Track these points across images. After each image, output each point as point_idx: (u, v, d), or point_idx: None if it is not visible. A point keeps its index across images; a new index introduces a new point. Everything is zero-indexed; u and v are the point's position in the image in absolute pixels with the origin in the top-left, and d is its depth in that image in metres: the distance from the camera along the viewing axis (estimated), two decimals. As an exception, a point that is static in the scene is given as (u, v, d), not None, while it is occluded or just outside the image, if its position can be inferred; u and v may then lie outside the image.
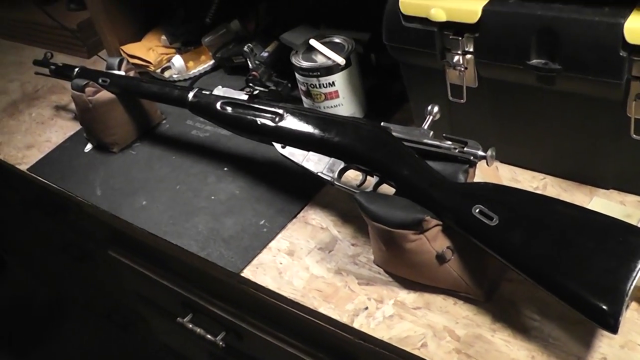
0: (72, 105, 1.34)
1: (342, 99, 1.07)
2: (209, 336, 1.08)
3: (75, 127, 1.32)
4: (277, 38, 1.21)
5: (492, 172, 0.94)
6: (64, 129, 1.34)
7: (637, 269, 0.61)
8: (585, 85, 0.76)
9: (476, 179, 0.79)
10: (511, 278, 0.77)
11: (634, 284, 0.61)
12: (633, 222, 0.71)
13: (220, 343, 1.07)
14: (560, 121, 0.84)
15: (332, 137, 0.85)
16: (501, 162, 0.95)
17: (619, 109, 0.77)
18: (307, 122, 0.88)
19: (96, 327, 2.11)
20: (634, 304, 0.72)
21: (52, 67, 1.31)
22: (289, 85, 1.17)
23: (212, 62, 1.41)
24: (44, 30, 1.70)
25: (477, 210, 0.70)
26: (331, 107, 1.08)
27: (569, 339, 0.70)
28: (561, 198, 0.74)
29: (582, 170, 0.88)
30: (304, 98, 1.11)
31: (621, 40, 0.71)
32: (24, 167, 1.25)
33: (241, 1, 1.41)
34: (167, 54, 1.41)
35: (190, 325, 1.11)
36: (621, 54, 0.71)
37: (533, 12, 0.76)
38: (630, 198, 0.85)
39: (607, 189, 0.87)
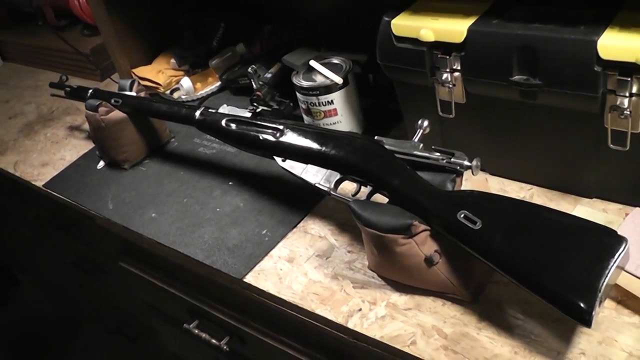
0: (86, 126, 1.40)
1: (340, 117, 1.13)
2: (214, 341, 1.12)
3: (89, 145, 1.38)
4: (280, 60, 1.27)
5: (481, 184, 0.99)
6: (77, 147, 1.41)
7: (609, 267, 0.66)
8: (564, 99, 0.81)
9: (471, 190, 0.84)
10: (497, 280, 0.82)
11: (606, 281, 0.65)
12: (614, 228, 0.76)
13: (225, 347, 1.11)
14: (543, 134, 0.89)
15: (329, 151, 0.90)
16: (490, 174, 1.00)
17: (597, 121, 0.81)
18: (306, 137, 0.93)
19: (107, 340, 2.15)
20: (612, 303, 0.76)
21: (68, 89, 1.37)
22: (291, 104, 1.22)
23: (218, 83, 1.47)
24: (59, 55, 1.77)
25: (462, 216, 0.75)
26: (330, 124, 1.13)
27: (550, 335, 0.74)
28: (547, 207, 0.78)
29: (567, 181, 0.92)
30: (304, 116, 1.17)
31: (595, 56, 0.76)
32: (39, 184, 1.31)
33: (246, 26, 1.47)
34: (176, 76, 1.48)
35: (196, 331, 1.15)
36: (596, 69, 0.76)
37: (514, 31, 0.82)
38: (612, 206, 0.89)
39: (591, 197, 0.91)
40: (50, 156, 1.40)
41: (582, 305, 0.65)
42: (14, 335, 2.51)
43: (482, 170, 1.00)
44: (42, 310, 2.55)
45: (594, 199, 0.91)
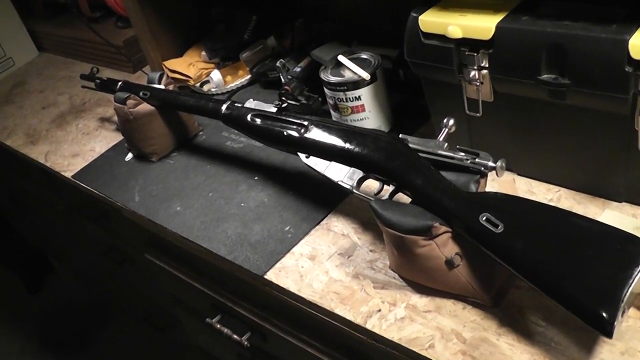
0: (116, 117, 1.41)
1: (368, 113, 1.12)
2: (235, 336, 1.12)
3: (118, 137, 1.39)
4: (310, 54, 1.26)
5: (508, 184, 0.97)
6: (107, 139, 1.42)
7: (633, 276, 0.64)
8: (594, 100, 0.79)
9: (494, 192, 0.83)
10: (519, 285, 0.80)
11: (630, 290, 0.63)
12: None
13: (246, 343, 1.11)
14: (572, 135, 0.87)
15: (352, 148, 0.89)
16: (518, 174, 0.98)
17: (628, 122, 0.79)
18: (330, 134, 0.92)
19: (137, 329, 2.18)
20: (636, 312, 0.74)
21: (98, 81, 1.38)
22: (320, 99, 1.21)
23: (248, 76, 1.47)
24: (93, 46, 1.79)
25: (484, 218, 0.73)
26: (357, 120, 1.12)
27: (571, 344, 0.72)
28: (574, 210, 0.76)
29: (595, 183, 0.90)
30: (332, 111, 1.16)
31: (627, 56, 0.73)
32: (69, 174, 1.32)
33: (278, 19, 1.47)
34: (206, 68, 1.48)
35: (219, 326, 1.16)
36: (627, 69, 0.74)
37: (543, 29, 0.79)
38: (642, 211, 0.87)
39: (620, 201, 0.89)
40: (80, 147, 1.42)
41: (603, 314, 0.63)
42: (47, 320, 2.56)
43: (510, 170, 0.98)
44: (75, 297, 2.59)
45: (623, 203, 0.89)
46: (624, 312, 0.64)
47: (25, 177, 1.80)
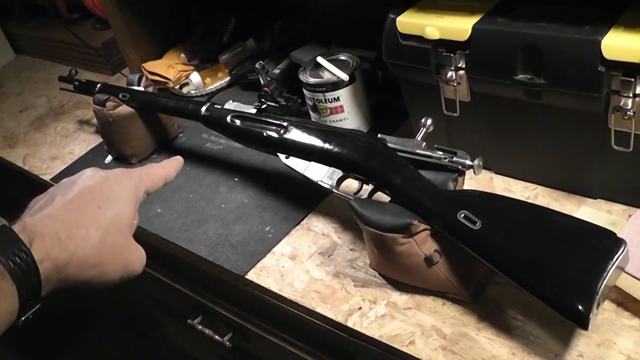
0: (95, 120, 1.41)
1: (347, 113, 1.13)
2: (217, 337, 1.13)
3: (97, 140, 1.39)
4: (289, 56, 1.27)
5: (486, 183, 0.98)
6: (86, 142, 1.41)
7: (608, 269, 0.65)
8: (568, 99, 0.80)
9: (472, 190, 0.84)
10: (497, 281, 0.81)
11: (604, 283, 0.65)
12: (618, 229, 0.76)
13: (228, 343, 1.12)
14: (548, 134, 0.89)
15: (332, 148, 0.90)
16: (495, 173, 0.99)
17: (602, 121, 0.81)
18: (309, 134, 0.93)
19: (117, 334, 2.17)
20: (611, 305, 0.76)
21: (76, 83, 1.38)
22: (299, 100, 1.22)
23: (228, 78, 1.47)
24: (71, 48, 1.78)
25: (462, 215, 0.74)
26: (337, 121, 1.13)
27: (549, 337, 0.74)
28: (551, 207, 0.77)
29: (571, 181, 0.92)
30: (311, 112, 1.17)
31: (599, 56, 0.75)
32: (47, 177, 1.32)
33: (257, 21, 1.47)
34: (185, 71, 1.48)
35: (200, 327, 1.16)
36: (600, 69, 0.75)
37: (519, 30, 0.81)
38: (617, 207, 0.89)
39: (595, 198, 0.91)
40: (59, 150, 1.41)
41: (579, 307, 0.64)
42: (26, 326, 2.53)
43: (487, 169, 0.99)
44: (53, 303, 2.56)
45: (599, 200, 0.90)
46: (599, 304, 0.65)
47: (3, 181, 1.79)
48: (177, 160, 0.81)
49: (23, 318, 0.58)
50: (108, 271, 0.65)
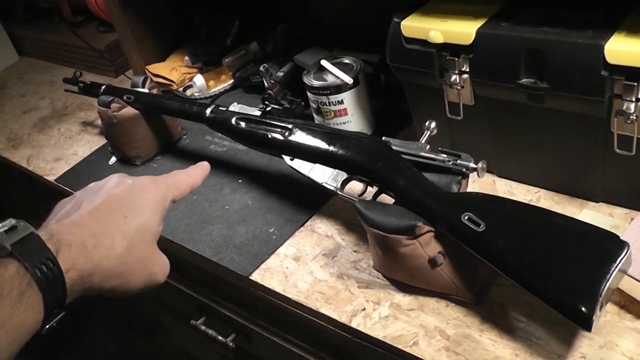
0: (99, 122, 1.42)
1: (350, 116, 1.14)
2: (220, 338, 1.13)
3: (101, 141, 1.40)
4: (292, 59, 1.28)
5: (489, 185, 0.99)
6: (90, 143, 1.42)
7: (611, 271, 0.66)
8: (571, 103, 0.81)
9: (476, 192, 0.85)
10: (501, 283, 0.82)
11: (607, 285, 0.65)
12: (620, 233, 0.76)
13: (231, 344, 1.12)
14: (551, 137, 0.89)
15: (336, 150, 0.91)
16: (498, 176, 1.00)
17: (604, 125, 0.81)
18: (314, 136, 0.94)
19: (118, 335, 2.17)
20: (614, 307, 0.76)
21: (81, 84, 1.39)
22: (302, 103, 1.23)
23: (231, 81, 1.48)
24: (75, 50, 1.79)
25: (466, 218, 0.75)
26: (340, 123, 1.14)
27: (552, 338, 0.74)
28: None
29: (573, 184, 0.93)
30: (315, 115, 1.18)
31: (602, 61, 0.76)
32: (51, 178, 1.33)
33: (260, 24, 1.48)
34: (189, 73, 1.49)
35: (203, 328, 1.17)
36: (602, 73, 0.76)
37: (522, 34, 0.82)
38: (618, 210, 0.89)
39: (597, 201, 0.91)
40: (63, 151, 1.42)
41: (582, 309, 0.65)
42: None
43: (490, 172, 1.00)
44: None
45: (600, 203, 0.91)
46: (602, 306, 0.66)
47: (6, 182, 1.79)
48: (203, 167, 0.82)
49: (47, 326, 0.58)
50: (131, 281, 0.64)
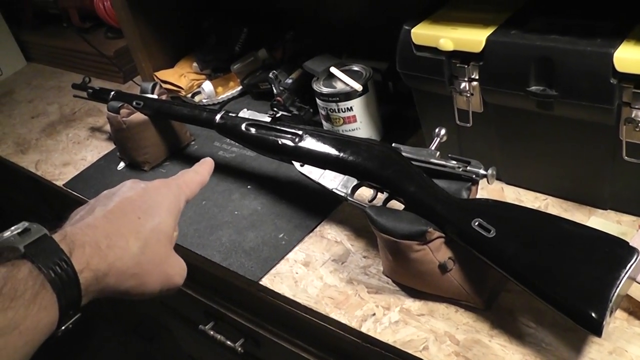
0: (107, 127, 1.43)
1: (359, 123, 1.14)
2: (228, 343, 1.14)
3: (110, 146, 1.41)
4: (301, 66, 1.28)
5: (497, 193, 0.99)
6: (98, 148, 1.43)
7: (621, 277, 0.66)
8: (580, 111, 0.82)
9: (486, 198, 0.85)
10: (510, 289, 0.83)
11: (617, 291, 0.66)
12: (627, 240, 0.77)
13: (239, 349, 1.13)
14: (560, 145, 0.90)
15: (347, 157, 0.91)
16: (506, 183, 1.01)
17: (613, 132, 0.82)
18: (324, 143, 0.95)
19: (123, 341, 2.17)
20: (623, 313, 0.77)
21: (90, 90, 1.39)
22: (311, 110, 1.24)
23: (239, 88, 1.49)
24: (83, 56, 1.80)
25: (477, 224, 0.76)
26: (349, 130, 1.15)
27: (561, 344, 0.75)
28: (561, 217, 0.79)
29: (581, 192, 0.93)
30: (324, 122, 1.19)
31: (611, 69, 0.76)
32: (60, 183, 1.33)
33: (269, 31, 1.49)
34: (197, 79, 1.50)
35: (212, 333, 1.17)
36: (612, 81, 0.77)
37: (532, 42, 0.83)
38: (626, 218, 0.90)
39: (605, 209, 0.92)
40: (71, 156, 1.43)
41: (593, 314, 0.65)
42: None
43: (498, 179, 1.01)
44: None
45: (608, 211, 0.92)
46: (612, 312, 0.67)
47: (14, 187, 1.80)
48: (208, 163, 0.82)
49: (63, 328, 0.59)
50: (147, 282, 0.65)
